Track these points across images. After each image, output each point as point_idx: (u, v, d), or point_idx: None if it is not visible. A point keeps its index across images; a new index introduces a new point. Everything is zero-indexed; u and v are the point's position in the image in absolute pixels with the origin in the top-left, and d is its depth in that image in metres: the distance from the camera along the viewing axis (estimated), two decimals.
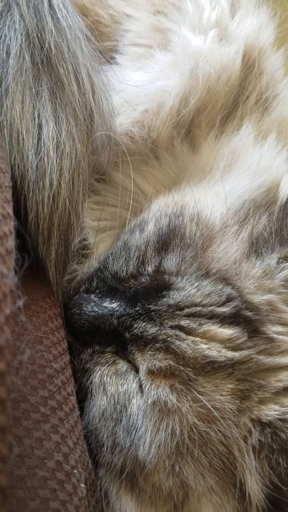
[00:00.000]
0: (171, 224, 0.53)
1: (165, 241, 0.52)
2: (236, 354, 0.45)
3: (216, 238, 0.51)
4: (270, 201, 0.54)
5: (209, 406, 0.43)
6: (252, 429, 0.43)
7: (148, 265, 0.52)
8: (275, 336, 0.46)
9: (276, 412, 0.43)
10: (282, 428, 0.43)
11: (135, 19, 0.69)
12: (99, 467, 0.47)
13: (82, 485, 0.40)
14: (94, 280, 0.54)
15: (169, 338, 0.46)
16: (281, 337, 0.46)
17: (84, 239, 0.60)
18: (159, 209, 0.56)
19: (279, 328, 0.46)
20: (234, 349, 0.45)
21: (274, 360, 0.45)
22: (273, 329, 0.46)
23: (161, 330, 0.47)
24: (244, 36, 0.63)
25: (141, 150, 0.61)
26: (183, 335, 0.46)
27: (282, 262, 0.49)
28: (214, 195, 0.56)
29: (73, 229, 0.52)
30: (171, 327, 0.46)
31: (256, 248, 0.51)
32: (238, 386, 0.44)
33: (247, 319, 0.46)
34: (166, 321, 0.47)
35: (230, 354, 0.45)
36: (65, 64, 0.51)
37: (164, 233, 0.52)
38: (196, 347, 0.45)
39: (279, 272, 0.49)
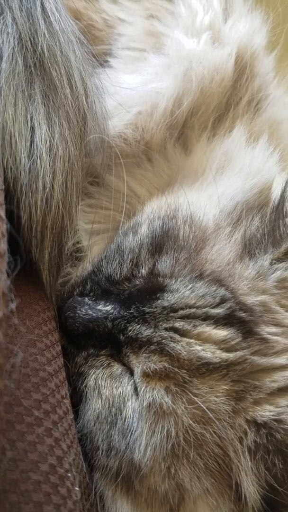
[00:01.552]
0: (164, 226, 0.53)
1: (159, 243, 0.52)
2: (231, 355, 0.45)
3: (209, 240, 0.51)
4: (263, 203, 0.55)
5: (204, 408, 0.43)
6: (248, 430, 0.43)
7: (142, 267, 0.52)
8: (269, 336, 0.46)
9: (271, 413, 0.43)
10: (277, 428, 0.43)
11: (129, 23, 0.69)
12: (94, 471, 0.47)
13: (76, 488, 0.40)
14: (88, 283, 0.54)
15: (163, 340, 0.46)
16: (274, 337, 0.46)
17: (78, 242, 0.60)
18: (153, 212, 0.56)
19: (273, 329, 0.46)
20: (228, 350, 0.45)
21: (268, 361, 0.45)
22: (266, 330, 0.46)
23: (156, 332, 0.47)
24: (237, 39, 0.63)
25: (134, 152, 0.61)
26: (177, 337, 0.46)
27: (275, 263, 0.49)
28: (207, 197, 0.56)
29: (67, 232, 0.51)
30: (166, 329, 0.46)
31: (249, 249, 0.51)
32: (233, 387, 0.44)
33: (241, 320, 0.46)
34: (160, 323, 0.47)
35: (224, 355, 0.45)
36: (58, 67, 0.51)
37: (158, 236, 0.52)
38: (191, 348, 0.45)
39: (272, 273, 0.49)
